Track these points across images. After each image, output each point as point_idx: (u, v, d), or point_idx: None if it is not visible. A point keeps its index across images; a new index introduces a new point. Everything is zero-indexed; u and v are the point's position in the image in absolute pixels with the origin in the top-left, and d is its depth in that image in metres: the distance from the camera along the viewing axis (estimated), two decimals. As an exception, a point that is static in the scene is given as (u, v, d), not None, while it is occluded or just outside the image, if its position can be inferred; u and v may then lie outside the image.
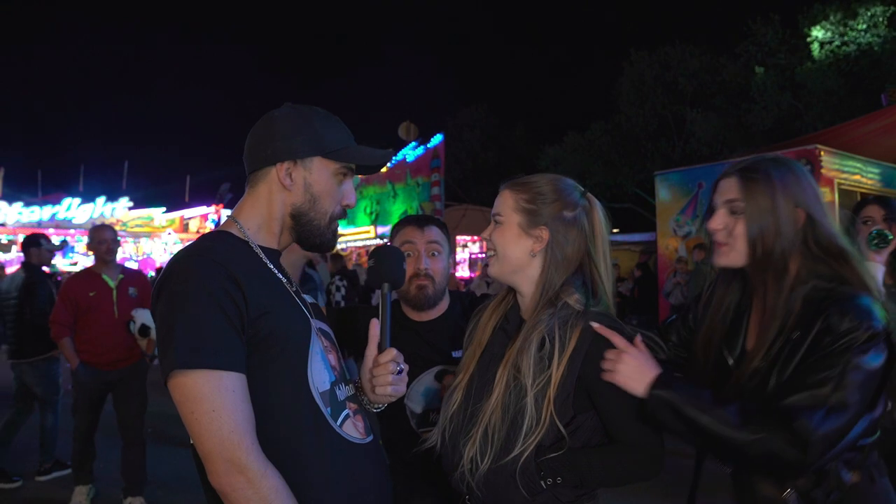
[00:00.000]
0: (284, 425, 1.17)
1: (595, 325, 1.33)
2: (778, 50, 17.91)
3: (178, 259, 1.18)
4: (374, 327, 1.34)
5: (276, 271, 1.29)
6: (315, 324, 1.30)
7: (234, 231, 1.29)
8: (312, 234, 1.33)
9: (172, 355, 1.08)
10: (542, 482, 1.29)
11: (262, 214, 1.31)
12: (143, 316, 4.18)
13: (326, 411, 1.22)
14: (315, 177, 1.30)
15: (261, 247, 1.28)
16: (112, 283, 4.21)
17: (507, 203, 1.46)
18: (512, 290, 1.51)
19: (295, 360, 1.21)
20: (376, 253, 1.45)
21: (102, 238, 4.24)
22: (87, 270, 4.34)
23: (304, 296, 1.39)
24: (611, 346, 1.32)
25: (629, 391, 1.29)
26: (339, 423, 1.24)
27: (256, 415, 1.13)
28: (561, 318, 1.34)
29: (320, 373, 1.24)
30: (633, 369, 1.28)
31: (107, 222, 22.35)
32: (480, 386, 1.41)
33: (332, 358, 1.33)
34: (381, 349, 1.33)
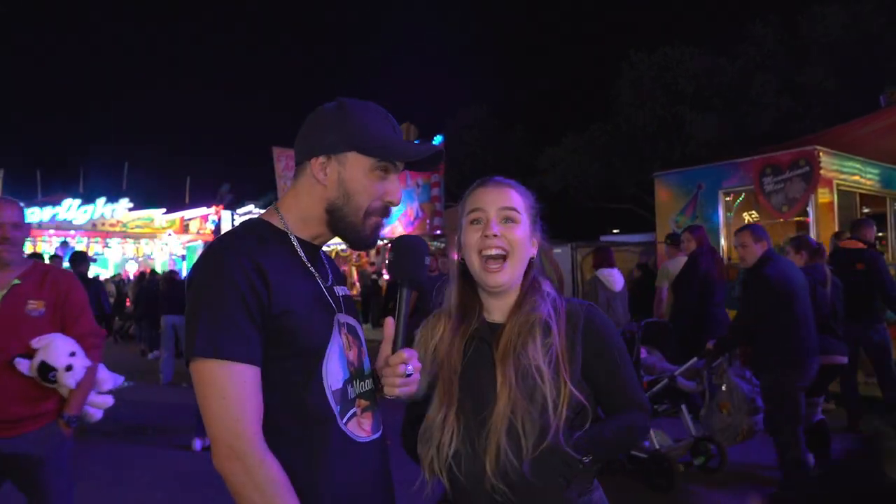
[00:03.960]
0: (293, 419, 1.20)
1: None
2: (777, 51, 17.92)
3: (210, 248, 1.22)
4: (389, 326, 1.27)
5: (310, 265, 1.30)
6: (342, 318, 1.31)
7: (275, 221, 1.32)
8: (347, 230, 1.31)
9: (193, 342, 1.14)
10: (580, 464, 1.28)
11: (300, 207, 1.32)
12: (51, 349, 2.39)
13: (336, 409, 1.24)
14: (349, 172, 1.28)
15: (298, 238, 1.31)
16: None
17: (517, 201, 1.42)
18: (473, 309, 1.43)
19: (311, 359, 1.22)
20: (396, 246, 1.33)
21: None
22: None
23: (339, 287, 1.38)
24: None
25: None
26: (344, 420, 1.25)
27: (267, 406, 1.17)
28: (550, 303, 1.40)
29: (335, 371, 1.25)
30: None
31: (107, 223, 22.32)
32: (475, 397, 1.35)
33: (352, 354, 1.32)
34: (394, 349, 1.27)
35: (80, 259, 7.44)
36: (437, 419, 1.36)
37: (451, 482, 1.35)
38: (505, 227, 1.39)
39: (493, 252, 1.37)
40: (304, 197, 1.31)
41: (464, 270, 1.47)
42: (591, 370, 1.39)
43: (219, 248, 1.22)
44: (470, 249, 1.41)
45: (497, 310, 1.43)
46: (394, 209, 1.39)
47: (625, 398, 1.42)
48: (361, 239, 1.32)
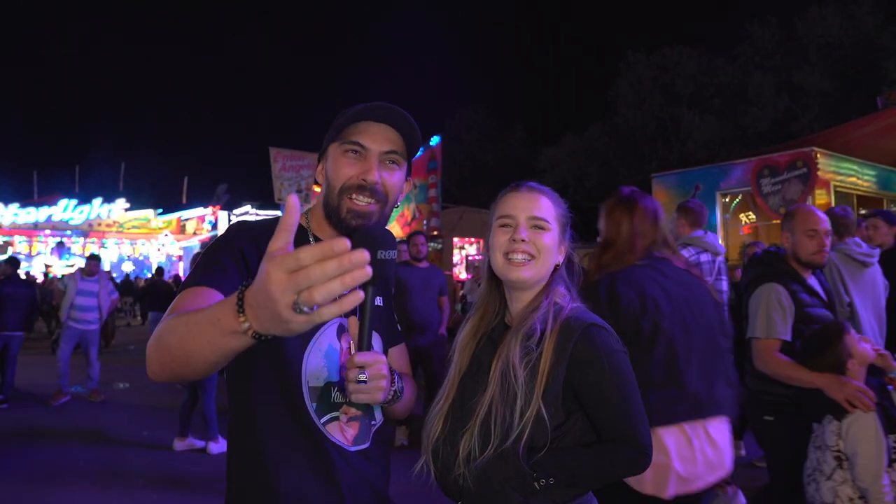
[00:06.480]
0: (262, 399, 1.23)
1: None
2: (775, 52, 17.97)
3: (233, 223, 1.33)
4: (353, 326, 1.16)
5: None
6: (345, 322, 1.30)
7: (300, 219, 1.35)
8: (331, 215, 1.30)
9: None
10: (536, 483, 1.28)
11: (317, 209, 1.38)
12: None
13: (311, 406, 1.24)
14: (328, 164, 1.33)
15: (317, 237, 1.34)
16: None
17: (548, 210, 1.44)
18: (496, 309, 1.49)
19: (293, 348, 1.24)
20: (354, 239, 1.16)
21: None
22: None
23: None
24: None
25: None
26: (322, 420, 1.25)
27: (244, 384, 1.25)
28: (555, 312, 1.37)
29: (319, 368, 1.26)
30: None
31: (103, 223, 22.28)
32: (472, 389, 1.40)
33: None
34: (358, 350, 1.16)
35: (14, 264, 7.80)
36: (436, 409, 1.44)
37: (434, 465, 1.42)
38: (533, 233, 1.40)
39: (519, 257, 1.39)
40: (318, 201, 1.36)
41: (493, 273, 1.49)
42: (583, 395, 1.33)
43: (230, 225, 1.34)
44: (496, 250, 1.42)
45: (517, 313, 1.45)
46: (396, 207, 1.38)
47: (614, 431, 1.32)
48: (341, 220, 1.28)
